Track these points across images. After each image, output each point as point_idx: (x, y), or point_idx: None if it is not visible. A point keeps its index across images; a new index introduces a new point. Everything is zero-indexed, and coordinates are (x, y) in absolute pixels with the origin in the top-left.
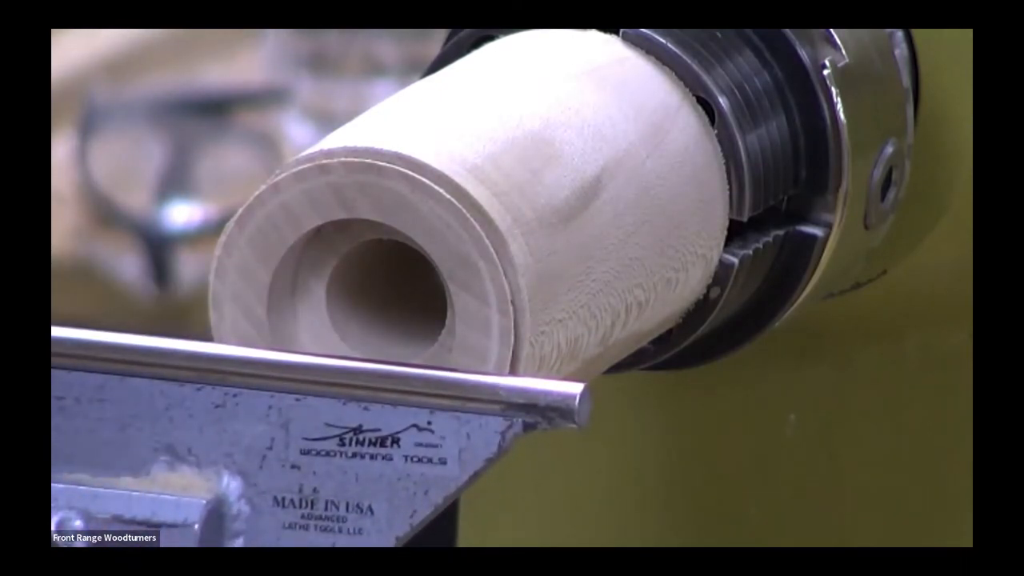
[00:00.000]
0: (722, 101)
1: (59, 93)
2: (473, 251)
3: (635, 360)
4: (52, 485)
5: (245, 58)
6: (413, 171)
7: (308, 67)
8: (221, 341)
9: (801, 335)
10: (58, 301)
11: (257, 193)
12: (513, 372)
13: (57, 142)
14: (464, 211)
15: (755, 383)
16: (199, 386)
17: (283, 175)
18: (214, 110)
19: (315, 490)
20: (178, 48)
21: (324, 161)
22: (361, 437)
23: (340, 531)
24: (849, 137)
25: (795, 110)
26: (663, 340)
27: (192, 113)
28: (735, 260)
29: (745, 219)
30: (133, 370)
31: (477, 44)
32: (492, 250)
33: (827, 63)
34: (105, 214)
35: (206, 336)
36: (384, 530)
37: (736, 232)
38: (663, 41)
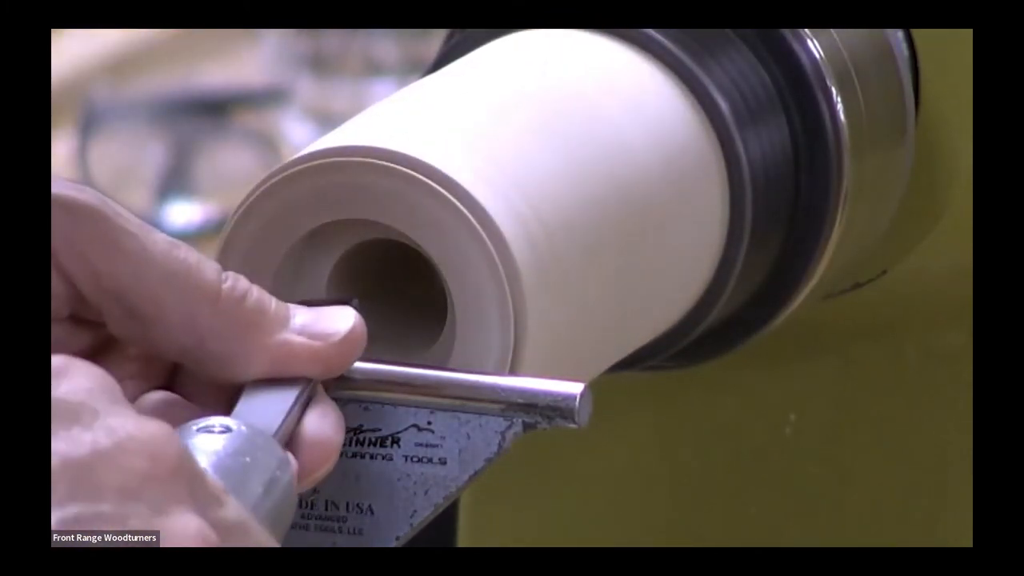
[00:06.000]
0: (721, 101)
1: (59, 93)
2: (473, 251)
3: (635, 360)
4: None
5: (245, 58)
6: (413, 170)
7: (308, 67)
8: None
9: (801, 335)
10: None
11: (256, 193)
12: (513, 372)
13: (57, 142)
14: (464, 211)
15: (755, 383)
16: None
17: (282, 175)
18: (214, 110)
19: (315, 490)
20: (178, 48)
21: (323, 160)
22: (361, 437)
23: (340, 531)
24: (849, 137)
25: (795, 110)
26: (663, 340)
27: (192, 113)
28: (735, 260)
29: (745, 219)
30: None
31: (477, 44)
32: (492, 250)
33: (827, 63)
34: None
35: None
36: (384, 530)
37: (736, 232)
38: (662, 40)
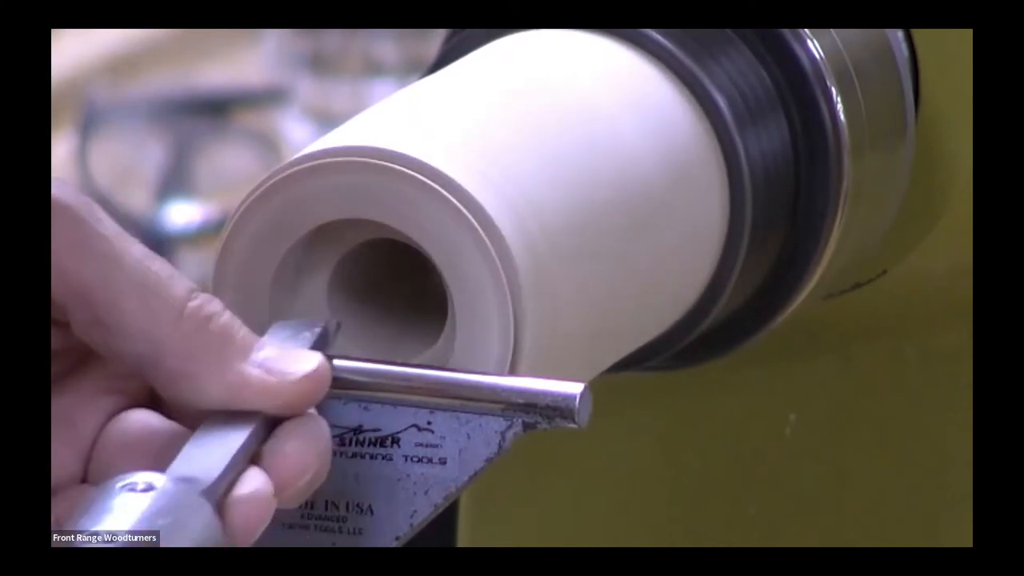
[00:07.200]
0: (721, 101)
1: (59, 93)
2: (474, 251)
3: (635, 360)
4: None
5: (245, 58)
6: (413, 171)
7: (308, 67)
8: None
9: (801, 335)
10: None
11: (256, 193)
12: (513, 372)
13: (57, 142)
14: (464, 211)
15: (755, 383)
16: None
17: (282, 175)
18: (214, 110)
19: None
20: (178, 48)
21: (323, 161)
22: (361, 437)
23: (340, 531)
24: (849, 137)
25: (795, 110)
26: (663, 340)
27: (192, 113)
28: (735, 260)
29: (745, 219)
30: None
31: (477, 44)
32: (493, 250)
33: (826, 63)
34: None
35: None
36: (384, 530)
37: (736, 232)
38: (662, 41)
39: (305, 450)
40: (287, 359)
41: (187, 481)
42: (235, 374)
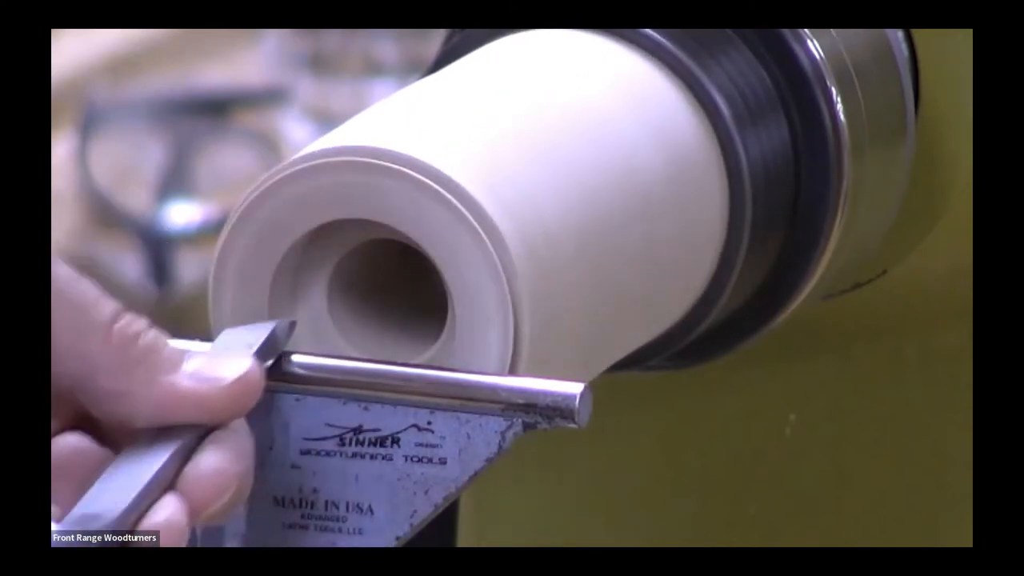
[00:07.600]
0: (721, 102)
1: (59, 93)
2: (474, 251)
3: (635, 360)
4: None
5: (245, 58)
6: (413, 171)
7: (308, 67)
8: None
9: (801, 335)
10: None
11: (256, 193)
12: (513, 372)
13: (57, 142)
14: (465, 211)
15: (755, 383)
16: None
17: (282, 175)
18: (214, 110)
19: (315, 490)
20: (178, 48)
21: (323, 160)
22: (361, 437)
23: (340, 531)
24: (849, 137)
25: (794, 110)
26: (663, 340)
27: (192, 113)
28: (735, 260)
29: (745, 219)
30: None
31: (477, 44)
32: (493, 250)
33: (827, 63)
34: (105, 214)
35: (206, 336)
36: (384, 530)
37: (736, 232)
38: (662, 40)
39: (223, 469)
40: (216, 366)
41: (89, 519)
42: (166, 386)
